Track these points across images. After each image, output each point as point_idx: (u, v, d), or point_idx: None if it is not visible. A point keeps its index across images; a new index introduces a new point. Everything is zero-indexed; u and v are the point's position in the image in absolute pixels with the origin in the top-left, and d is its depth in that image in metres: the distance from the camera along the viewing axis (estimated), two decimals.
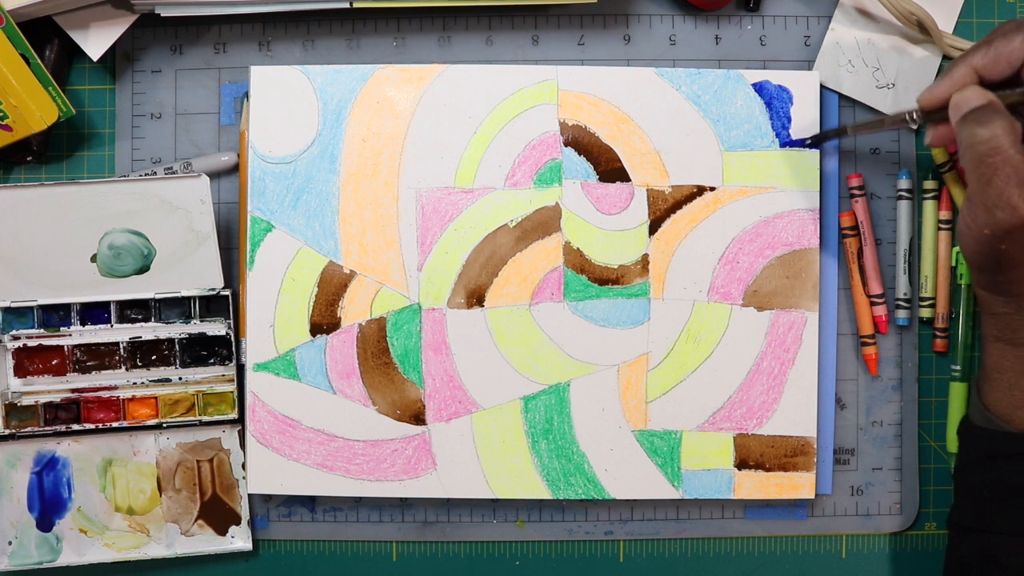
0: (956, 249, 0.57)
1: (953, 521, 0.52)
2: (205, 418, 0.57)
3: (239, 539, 0.57)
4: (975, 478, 0.51)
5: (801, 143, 0.55)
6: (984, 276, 0.48)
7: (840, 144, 0.57)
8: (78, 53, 0.57)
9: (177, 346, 0.56)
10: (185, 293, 0.56)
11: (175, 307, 0.56)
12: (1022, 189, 0.44)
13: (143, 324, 0.56)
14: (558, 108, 0.56)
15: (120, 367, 0.57)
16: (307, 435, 0.55)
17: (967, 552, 0.51)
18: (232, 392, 0.56)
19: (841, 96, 0.57)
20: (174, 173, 0.56)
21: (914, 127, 0.51)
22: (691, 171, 0.56)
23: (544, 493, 0.56)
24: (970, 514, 0.51)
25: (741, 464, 0.56)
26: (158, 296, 0.56)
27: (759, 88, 0.56)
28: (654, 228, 0.56)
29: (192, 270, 0.55)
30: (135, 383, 0.57)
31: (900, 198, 0.58)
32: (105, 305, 0.56)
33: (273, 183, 0.55)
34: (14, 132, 0.54)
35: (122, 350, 0.57)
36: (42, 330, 0.56)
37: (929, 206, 0.58)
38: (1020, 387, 0.49)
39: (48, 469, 0.57)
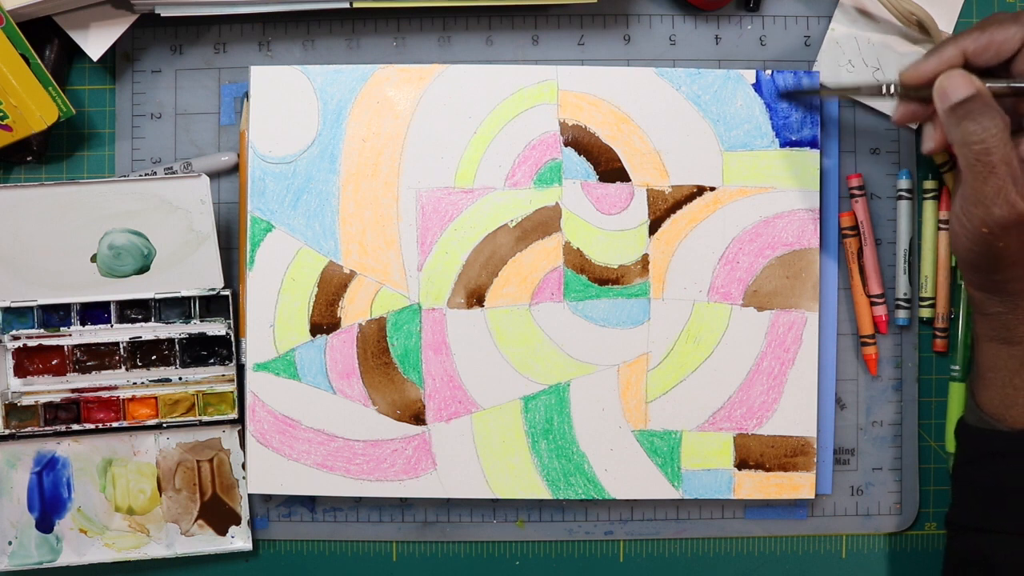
0: None
1: (951, 521, 0.52)
2: (205, 418, 0.57)
3: (239, 539, 0.57)
4: (971, 478, 0.51)
5: (800, 143, 0.55)
6: (980, 275, 0.48)
7: (839, 143, 0.57)
8: (78, 53, 0.57)
9: (177, 346, 0.56)
10: (185, 293, 0.56)
11: (175, 307, 0.56)
12: (1018, 186, 0.44)
13: (143, 324, 0.56)
14: (558, 108, 0.56)
15: (120, 367, 0.57)
16: (307, 435, 0.55)
17: (964, 551, 0.51)
18: (232, 392, 0.56)
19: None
20: (174, 173, 0.56)
21: (890, 99, 0.50)
22: (691, 171, 0.56)
23: (544, 493, 0.56)
24: (967, 513, 0.51)
25: (741, 464, 0.56)
26: (158, 296, 0.56)
27: (759, 88, 0.56)
28: (654, 228, 0.56)
29: (192, 270, 0.55)
30: (135, 383, 0.57)
31: (900, 198, 0.58)
32: (105, 305, 0.56)
33: (273, 183, 0.55)
34: (14, 132, 0.54)
35: (122, 350, 0.57)
36: (42, 330, 0.56)
37: (929, 206, 0.58)
38: (1013, 386, 0.49)
39: (48, 469, 0.57)
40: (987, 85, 0.45)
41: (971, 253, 0.47)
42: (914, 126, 0.50)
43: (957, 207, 0.47)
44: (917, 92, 0.48)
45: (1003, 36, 0.46)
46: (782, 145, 0.56)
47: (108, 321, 0.56)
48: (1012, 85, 0.46)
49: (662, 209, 0.56)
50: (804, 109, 0.55)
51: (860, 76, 0.57)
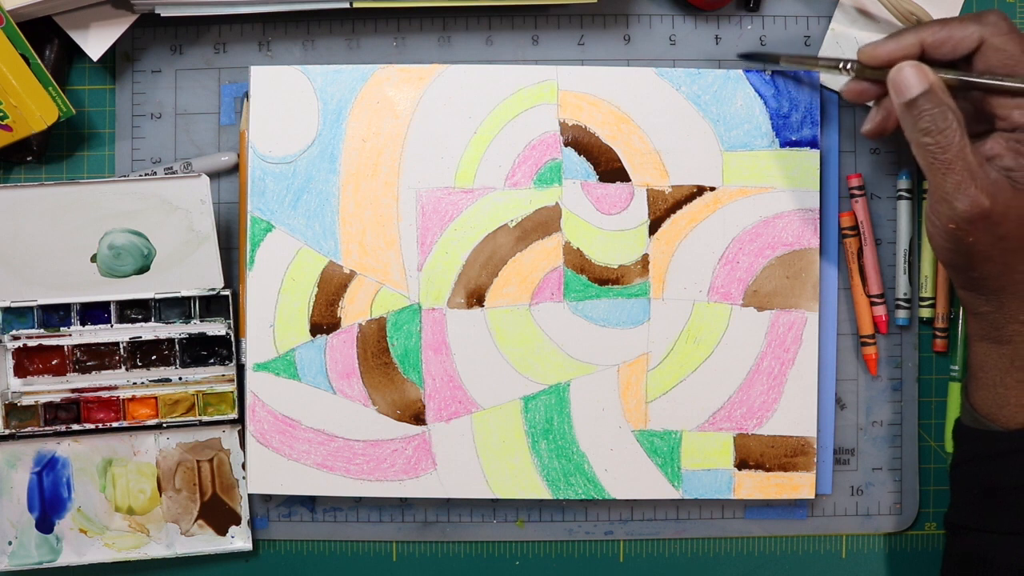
0: None
1: (949, 521, 0.52)
2: (205, 418, 0.57)
3: (239, 539, 0.57)
4: (968, 478, 0.51)
5: (800, 143, 0.56)
6: (960, 275, 0.49)
7: (839, 144, 0.58)
8: (78, 53, 0.57)
9: (177, 346, 0.56)
10: (185, 293, 0.56)
11: (175, 307, 0.56)
12: (977, 180, 0.44)
13: (143, 324, 0.56)
14: (558, 108, 0.56)
15: (120, 367, 0.57)
16: (307, 435, 0.55)
17: (962, 551, 0.51)
18: (232, 392, 0.56)
19: (841, 96, 0.57)
20: (174, 173, 0.56)
21: (845, 76, 0.51)
22: (691, 171, 0.56)
23: (544, 493, 0.56)
24: (964, 514, 0.51)
25: (741, 464, 0.56)
26: (158, 296, 0.56)
27: (759, 87, 0.56)
28: (654, 228, 0.56)
29: (192, 270, 0.55)
30: (135, 383, 0.57)
31: (900, 198, 0.58)
32: (105, 305, 0.56)
33: (273, 183, 0.55)
34: (14, 132, 0.54)
35: (122, 350, 0.57)
36: (42, 330, 0.56)
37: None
38: (1005, 385, 0.49)
39: (48, 469, 0.57)
40: (942, 77, 0.46)
41: (946, 251, 0.47)
42: (846, 75, 0.50)
43: (927, 208, 0.47)
44: (872, 73, 0.49)
45: (961, 33, 0.47)
46: (782, 145, 0.56)
47: (108, 321, 0.56)
48: (965, 78, 0.46)
49: (662, 209, 0.56)
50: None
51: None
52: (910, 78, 0.45)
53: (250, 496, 0.58)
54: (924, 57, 0.48)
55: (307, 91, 0.55)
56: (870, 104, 0.53)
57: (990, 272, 0.47)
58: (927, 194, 0.47)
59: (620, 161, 0.56)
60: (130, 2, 0.54)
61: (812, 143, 0.56)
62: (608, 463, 0.56)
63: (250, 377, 0.55)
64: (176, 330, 0.57)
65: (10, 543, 0.57)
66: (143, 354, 0.57)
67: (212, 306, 0.57)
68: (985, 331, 0.49)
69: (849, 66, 0.50)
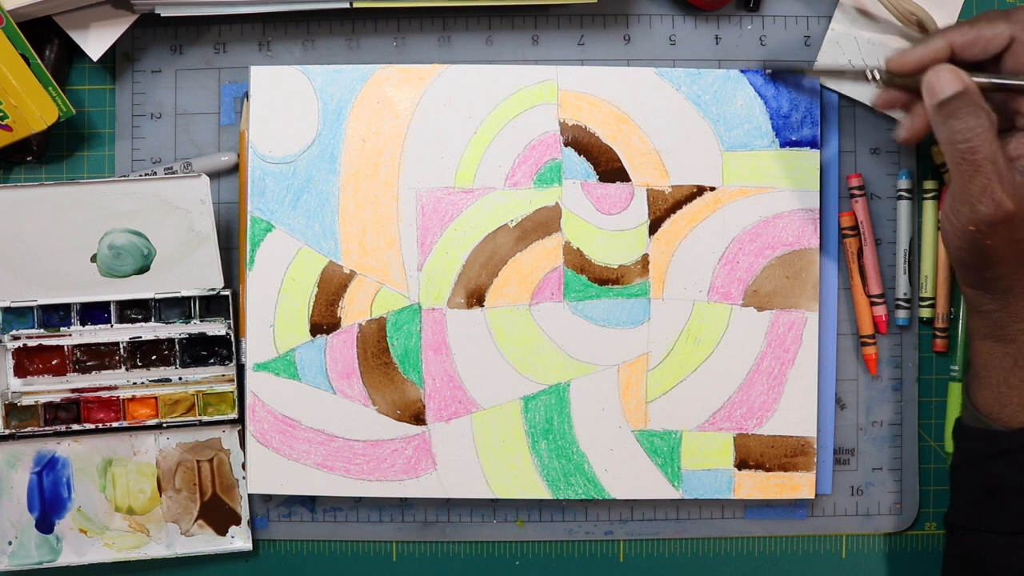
0: None
1: (949, 521, 0.52)
2: (205, 418, 0.57)
3: (239, 539, 0.57)
4: (968, 478, 0.51)
5: (800, 143, 0.56)
6: (970, 273, 0.48)
7: (839, 143, 0.58)
8: (78, 53, 0.57)
9: (177, 346, 0.56)
10: (185, 293, 0.56)
11: (175, 307, 0.56)
12: (1004, 183, 0.44)
13: (143, 324, 0.56)
14: (558, 108, 0.56)
15: (120, 367, 0.57)
16: (307, 435, 0.55)
17: (962, 551, 0.51)
18: (232, 392, 0.56)
19: (841, 96, 0.57)
20: (174, 173, 0.56)
21: (875, 84, 0.50)
22: (691, 171, 0.56)
23: (544, 493, 0.56)
24: (964, 513, 0.51)
25: (741, 464, 0.56)
26: (158, 296, 0.56)
27: (759, 87, 0.56)
28: (654, 228, 0.56)
29: (192, 270, 0.55)
30: (135, 383, 0.57)
31: (900, 198, 0.58)
32: (105, 305, 0.56)
33: (273, 183, 0.55)
34: (14, 132, 0.54)
35: (122, 350, 0.57)
36: (42, 330, 0.56)
37: (929, 206, 0.58)
38: (1008, 384, 0.49)
39: (48, 469, 0.57)
40: (975, 80, 0.45)
41: (961, 251, 0.47)
42: (875, 84, 0.50)
43: (947, 205, 0.47)
44: (901, 80, 0.49)
45: (991, 32, 0.47)
46: (782, 145, 0.56)
47: (108, 321, 0.56)
48: (998, 81, 0.46)
49: (662, 209, 0.56)
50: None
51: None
52: (945, 80, 0.45)
53: (250, 496, 0.58)
54: (954, 59, 0.47)
55: (307, 91, 0.55)
56: (886, 111, 0.52)
57: (1003, 273, 0.47)
58: (947, 194, 0.47)
59: (620, 161, 0.56)
60: (130, 2, 0.54)
61: (812, 143, 0.56)
62: (608, 463, 0.56)
63: (250, 377, 0.55)
64: (176, 330, 0.57)
65: (10, 543, 0.57)
66: (143, 354, 0.57)
67: (212, 306, 0.57)
68: (989, 330, 0.49)
69: (877, 74, 0.50)
